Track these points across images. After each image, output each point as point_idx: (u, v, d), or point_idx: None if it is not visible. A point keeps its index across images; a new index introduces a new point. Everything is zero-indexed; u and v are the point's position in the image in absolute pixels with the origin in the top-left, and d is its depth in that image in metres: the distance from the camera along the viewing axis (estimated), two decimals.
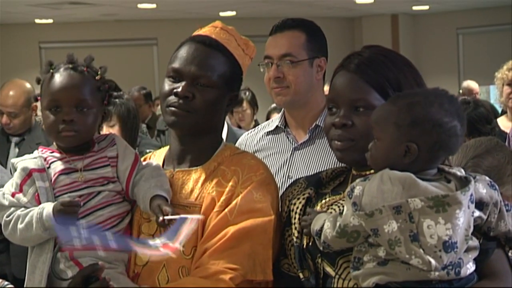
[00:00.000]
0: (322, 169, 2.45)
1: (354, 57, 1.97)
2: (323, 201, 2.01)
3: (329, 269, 1.89)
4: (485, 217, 1.79)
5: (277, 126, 2.81)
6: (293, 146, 2.74)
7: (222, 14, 12.06)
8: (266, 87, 2.74)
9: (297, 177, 2.34)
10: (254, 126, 3.21)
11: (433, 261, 1.67)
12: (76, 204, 1.93)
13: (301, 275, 1.94)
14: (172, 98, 2.06)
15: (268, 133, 2.84)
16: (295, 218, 2.01)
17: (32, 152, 4.60)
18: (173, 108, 2.06)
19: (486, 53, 12.45)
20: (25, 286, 2.02)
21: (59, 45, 11.71)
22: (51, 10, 10.95)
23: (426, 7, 12.82)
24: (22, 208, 2.01)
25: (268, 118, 6.69)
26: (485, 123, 3.97)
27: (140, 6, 11.05)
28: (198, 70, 2.06)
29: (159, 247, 1.80)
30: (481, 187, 1.78)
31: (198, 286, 1.90)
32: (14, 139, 4.70)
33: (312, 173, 2.31)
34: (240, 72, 2.17)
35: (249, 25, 9.68)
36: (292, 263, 2.00)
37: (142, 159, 2.20)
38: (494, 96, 10.46)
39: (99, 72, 2.09)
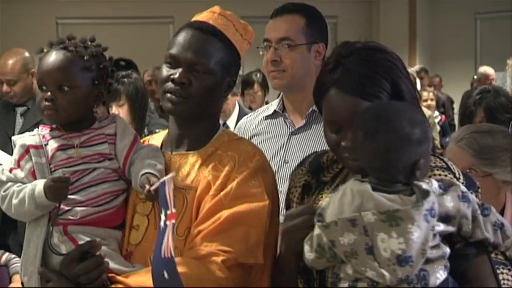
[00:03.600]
0: None
1: (340, 70, 1.91)
2: (321, 195, 2.01)
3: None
4: (453, 229, 1.78)
5: (275, 110, 2.84)
6: (290, 130, 2.77)
7: None
8: (264, 70, 2.78)
9: (293, 162, 2.36)
10: None
11: (387, 274, 1.68)
12: (66, 180, 1.98)
13: None
14: (169, 84, 2.09)
15: (267, 117, 2.88)
16: (293, 207, 2.04)
17: (37, 121, 4.68)
18: (170, 95, 2.09)
19: (504, 38, 12.31)
20: (21, 259, 2.08)
21: (76, 21, 11.75)
22: None
23: None
24: (19, 184, 2.07)
25: None
26: (504, 112, 3.97)
27: None
28: (195, 57, 2.09)
29: (168, 225, 1.77)
30: (449, 200, 1.77)
31: (190, 267, 1.93)
32: (19, 110, 4.76)
33: None
34: (238, 58, 2.20)
35: (266, 5, 9.66)
36: None
37: (141, 141, 2.24)
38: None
39: (93, 52, 2.13)
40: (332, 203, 1.80)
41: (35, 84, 4.80)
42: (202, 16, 2.21)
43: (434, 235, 1.73)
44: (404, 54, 12.54)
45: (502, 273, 1.91)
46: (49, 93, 2.08)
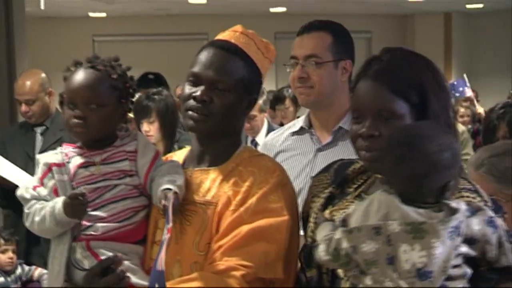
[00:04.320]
0: None
1: (374, 63, 1.96)
2: (342, 204, 2.02)
3: (338, 270, 1.90)
4: (474, 253, 1.76)
5: (301, 126, 2.86)
6: (316, 147, 2.78)
7: (272, 10, 12.10)
8: (291, 86, 2.81)
9: None
10: None
11: (405, 286, 1.67)
12: (82, 196, 2.02)
13: (308, 274, 1.97)
14: (190, 102, 2.13)
15: (293, 133, 2.89)
16: (312, 217, 2.05)
17: (56, 139, 4.72)
18: (191, 112, 2.12)
19: None
20: (47, 276, 2.13)
21: (112, 39, 11.97)
22: (105, 4, 11.17)
23: (480, 6, 12.65)
24: (42, 202, 2.11)
25: None
26: None
27: (190, 1, 11.20)
28: (216, 75, 2.12)
29: (166, 238, 1.85)
30: (476, 223, 1.75)
31: (209, 281, 1.95)
32: (38, 129, 4.82)
33: None
34: (259, 76, 2.22)
35: (300, 21, 9.71)
36: (301, 263, 2.04)
37: (164, 158, 2.28)
38: None
39: (118, 72, 2.17)
40: (358, 211, 1.79)
41: (52, 103, 4.85)
42: (224, 35, 2.24)
43: (457, 255, 1.72)
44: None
45: None
46: (79, 111, 2.12)
